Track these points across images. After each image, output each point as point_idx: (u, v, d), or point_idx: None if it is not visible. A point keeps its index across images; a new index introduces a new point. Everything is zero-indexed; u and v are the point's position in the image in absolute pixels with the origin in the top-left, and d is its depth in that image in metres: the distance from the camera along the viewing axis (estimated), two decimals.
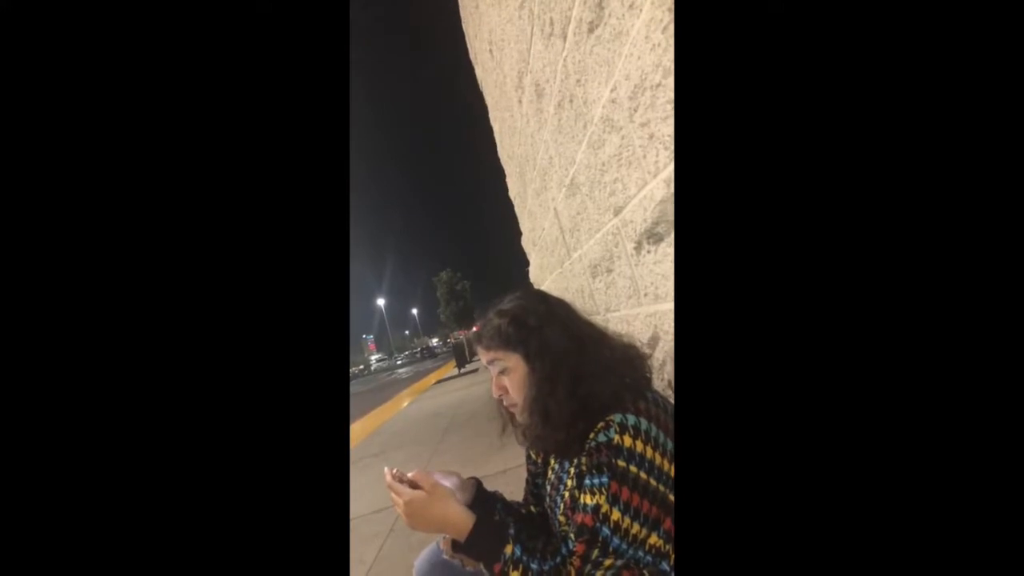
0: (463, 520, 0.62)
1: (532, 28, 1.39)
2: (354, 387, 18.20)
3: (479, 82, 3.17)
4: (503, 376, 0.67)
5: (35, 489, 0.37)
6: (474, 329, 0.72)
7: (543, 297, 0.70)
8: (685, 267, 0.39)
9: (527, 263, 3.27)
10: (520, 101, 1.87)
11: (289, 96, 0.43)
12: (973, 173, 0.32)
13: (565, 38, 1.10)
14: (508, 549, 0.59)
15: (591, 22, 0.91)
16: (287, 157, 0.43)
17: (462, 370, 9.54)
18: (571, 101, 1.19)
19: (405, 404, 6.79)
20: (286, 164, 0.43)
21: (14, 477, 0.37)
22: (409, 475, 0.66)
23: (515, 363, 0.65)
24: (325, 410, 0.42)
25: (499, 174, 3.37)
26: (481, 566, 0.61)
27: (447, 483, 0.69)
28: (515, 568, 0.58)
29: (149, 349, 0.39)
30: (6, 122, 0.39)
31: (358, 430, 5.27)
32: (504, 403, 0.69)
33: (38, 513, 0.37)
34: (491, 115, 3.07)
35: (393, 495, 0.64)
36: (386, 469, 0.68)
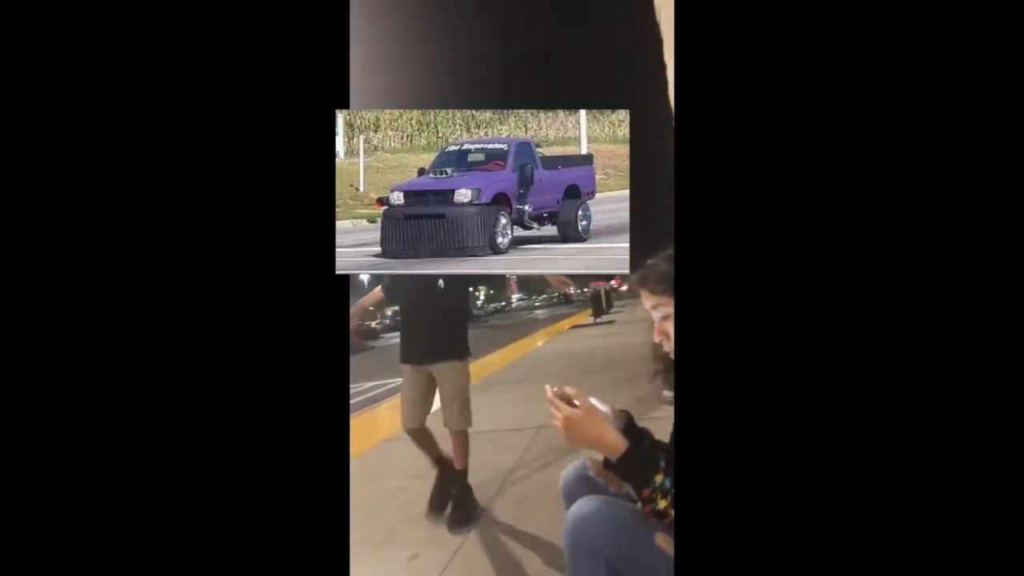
0: (617, 442, 0.67)
1: None
2: (496, 320, 20.55)
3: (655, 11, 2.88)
4: (666, 321, 0.67)
5: (33, 490, 0.39)
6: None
7: None
8: (685, 268, 0.41)
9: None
10: None
11: (287, 92, 0.45)
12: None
13: None
14: (659, 478, 0.62)
15: None
16: (280, 152, 0.45)
17: (598, 320, 9.57)
18: None
19: (539, 343, 7.18)
20: (280, 157, 0.45)
21: (13, 477, 0.38)
22: (568, 390, 0.72)
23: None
24: (325, 396, 0.45)
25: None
26: (628, 488, 0.66)
27: (603, 408, 0.75)
28: (664, 497, 0.61)
29: (150, 340, 0.42)
30: (6, 122, 0.40)
31: (499, 359, 5.83)
32: (664, 349, 0.70)
33: (36, 513, 0.39)
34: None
35: (553, 410, 0.71)
36: (547, 387, 0.75)
